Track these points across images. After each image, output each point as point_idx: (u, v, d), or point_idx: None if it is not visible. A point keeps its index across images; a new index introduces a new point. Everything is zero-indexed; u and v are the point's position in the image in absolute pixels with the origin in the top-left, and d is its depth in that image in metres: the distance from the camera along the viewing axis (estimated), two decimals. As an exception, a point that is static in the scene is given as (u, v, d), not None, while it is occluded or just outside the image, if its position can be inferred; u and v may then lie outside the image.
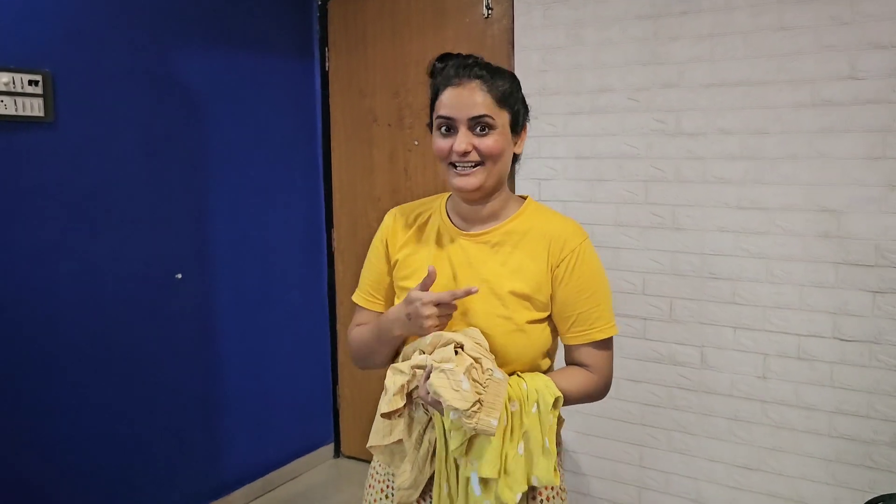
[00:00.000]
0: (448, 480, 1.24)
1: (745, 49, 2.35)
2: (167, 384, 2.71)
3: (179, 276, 2.73)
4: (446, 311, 1.23)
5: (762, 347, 2.40)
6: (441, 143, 1.29)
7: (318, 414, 3.46)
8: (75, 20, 2.36)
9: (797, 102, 2.28)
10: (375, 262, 1.44)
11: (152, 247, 2.63)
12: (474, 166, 1.27)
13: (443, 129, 1.28)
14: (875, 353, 2.23)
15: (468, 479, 1.20)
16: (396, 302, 1.36)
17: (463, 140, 1.25)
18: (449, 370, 1.13)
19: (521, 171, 2.80)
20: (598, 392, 1.36)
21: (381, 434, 1.33)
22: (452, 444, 1.16)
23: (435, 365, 1.15)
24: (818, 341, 2.31)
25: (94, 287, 2.45)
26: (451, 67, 1.29)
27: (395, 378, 1.24)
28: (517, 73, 2.76)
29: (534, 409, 1.20)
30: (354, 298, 1.49)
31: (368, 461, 3.42)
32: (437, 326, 1.23)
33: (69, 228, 2.38)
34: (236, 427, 3.02)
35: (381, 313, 1.41)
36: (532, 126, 2.72)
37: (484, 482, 1.17)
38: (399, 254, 1.40)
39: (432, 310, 1.21)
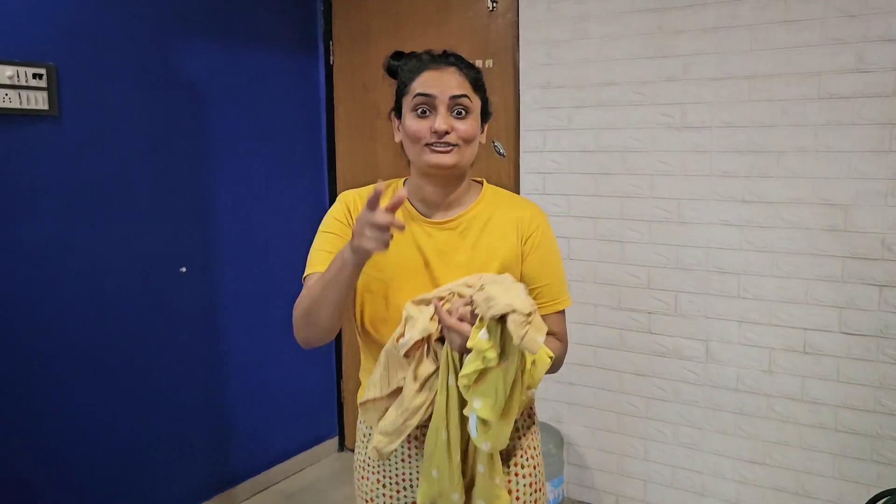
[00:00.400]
0: (448, 427, 1.22)
1: (751, 42, 2.34)
2: (172, 378, 2.72)
3: (184, 269, 2.73)
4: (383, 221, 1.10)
5: (768, 342, 2.40)
6: (417, 124, 1.29)
7: (322, 408, 3.46)
8: (79, 14, 2.36)
9: (803, 96, 2.27)
10: (339, 233, 1.36)
11: (156, 241, 2.63)
12: (450, 147, 1.29)
13: (419, 110, 1.29)
14: (882, 348, 2.22)
15: (465, 422, 1.21)
16: (361, 297, 1.35)
17: (443, 119, 1.27)
18: (505, 282, 1.16)
19: (526, 164, 2.79)
20: (563, 357, 1.41)
21: (378, 387, 1.28)
22: (467, 369, 1.13)
23: (488, 279, 1.18)
24: (824, 335, 2.31)
25: (97, 282, 2.45)
26: (422, 56, 1.35)
27: (421, 308, 1.23)
28: (522, 66, 2.76)
29: (530, 365, 1.22)
30: (311, 269, 1.36)
31: (373, 455, 3.43)
32: (376, 241, 1.11)
33: (73, 223, 2.38)
34: (241, 421, 3.02)
35: None
36: (537, 120, 2.73)
37: (482, 423, 1.17)
38: None
39: (365, 218, 1.11)
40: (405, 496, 1.38)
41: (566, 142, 2.70)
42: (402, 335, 1.22)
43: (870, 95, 2.18)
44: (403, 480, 1.38)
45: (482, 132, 1.38)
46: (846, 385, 2.28)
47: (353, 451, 3.49)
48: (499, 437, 1.19)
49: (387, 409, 1.28)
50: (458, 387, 1.19)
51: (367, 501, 1.43)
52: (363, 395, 1.32)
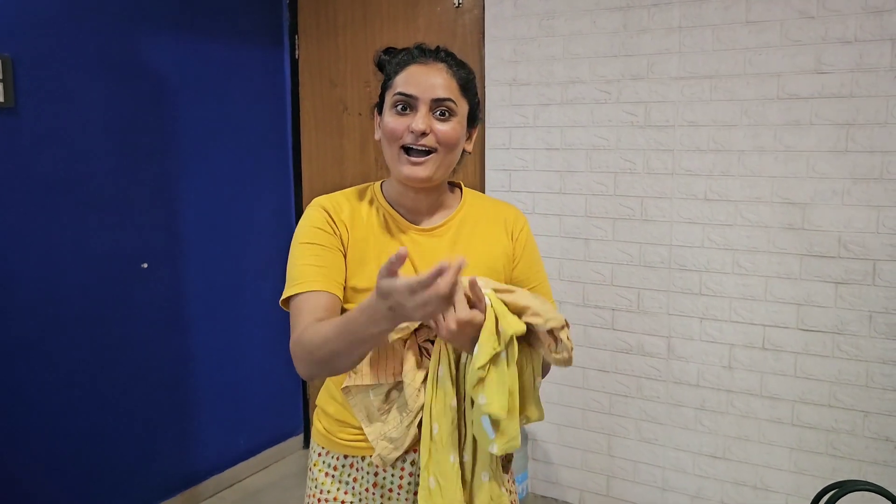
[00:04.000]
0: (440, 424, 1.16)
1: (714, 42, 2.37)
2: (134, 375, 2.68)
3: (145, 265, 2.69)
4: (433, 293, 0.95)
5: (728, 338, 2.43)
6: (395, 122, 1.20)
7: (287, 404, 3.44)
8: (36, 4, 2.30)
9: (764, 96, 2.31)
10: (327, 244, 1.23)
11: (118, 236, 2.59)
12: (427, 153, 1.20)
13: (399, 107, 1.20)
14: (838, 344, 2.27)
15: (461, 419, 1.17)
16: (345, 307, 1.23)
17: (422, 119, 1.18)
18: (527, 293, 1.12)
19: (491, 161, 2.80)
20: None
21: (366, 374, 1.20)
22: (479, 362, 1.06)
23: (509, 287, 1.14)
24: (783, 332, 2.35)
25: (54, 277, 2.40)
26: (413, 50, 1.25)
27: None
28: (488, 63, 2.76)
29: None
30: (301, 289, 1.20)
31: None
32: (432, 314, 0.99)
33: (29, 217, 2.33)
34: (205, 418, 2.99)
35: (340, 300, 1.22)
36: (503, 117, 2.74)
37: (493, 424, 1.11)
38: (349, 250, 1.24)
39: (420, 297, 0.94)
40: None
41: (532, 139, 2.71)
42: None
43: (827, 96, 2.22)
44: None
45: (469, 139, 1.28)
46: (803, 380, 2.33)
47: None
48: (512, 435, 1.11)
49: (369, 406, 1.21)
50: (451, 380, 1.15)
51: None
52: (346, 380, 1.21)
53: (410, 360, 1.18)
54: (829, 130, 2.23)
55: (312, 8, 3.22)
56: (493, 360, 1.08)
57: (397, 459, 1.25)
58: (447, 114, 1.20)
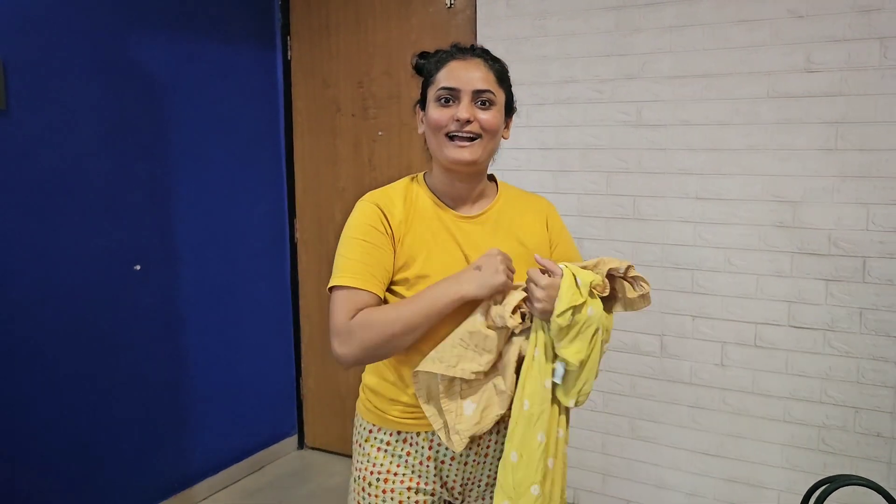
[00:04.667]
0: (531, 400, 1.25)
1: (707, 41, 2.38)
2: (129, 377, 2.67)
3: (138, 267, 2.68)
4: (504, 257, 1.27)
5: (721, 336, 2.45)
6: (439, 113, 1.30)
7: (282, 405, 3.44)
8: (27, 6, 2.29)
9: (756, 95, 2.33)
10: (378, 244, 1.29)
11: (111, 238, 2.58)
12: (472, 139, 1.29)
13: (442, 100, 1.30)
14: (828, 340, 2.29)
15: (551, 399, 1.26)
16: (403, 293, 1.30)
17: (466, 108, 1.28)
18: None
19: (486, 161, 2.80)
20: None
21: (445, 364, 1.24)
22: (560, 307, 1.19)
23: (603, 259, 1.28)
24: (774, 329, 2.37)
25: (47, 279, 2.40)
26: (450, 48, 1.35)
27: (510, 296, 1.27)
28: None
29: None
30: (349, 283, 1.27)
31: (332, 452, 3.42)
32: (509, 278, 1.24)
33: (22, 219, 2.32)
34: (200, 419, 2.99)
35: (381, 298, 1.30)
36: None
37: (568, 373, 1.24)
38: (403, 242, 1.32)
39: (507, 262, 1.24)
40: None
41: (526, 139, 2.72)
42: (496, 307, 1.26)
43: (818, 95, 2.24)
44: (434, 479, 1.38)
45: (506, 127, 1.39)
46: (795, 377, 2.35)
47: (312, 448, 3.49)
48: (584, 390, 1.25)
49: (435, 389, 1.29)
50: (547, 361, 1.25)
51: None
52: (422, 365, 1.26)
53: (477, 355, 1.26)
54: (819, 129, 2.25)
55: (305, 9, 3.22)
56: (575, 310, 1.20)
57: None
58: (487, 103, 1.30)
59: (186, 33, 2.83)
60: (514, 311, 1.24)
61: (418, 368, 1.26)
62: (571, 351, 1.22)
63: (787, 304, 2.34)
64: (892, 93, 2.15)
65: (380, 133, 3.09)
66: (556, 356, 1.24)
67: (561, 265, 1.24)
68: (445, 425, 1.28)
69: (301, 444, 3.53)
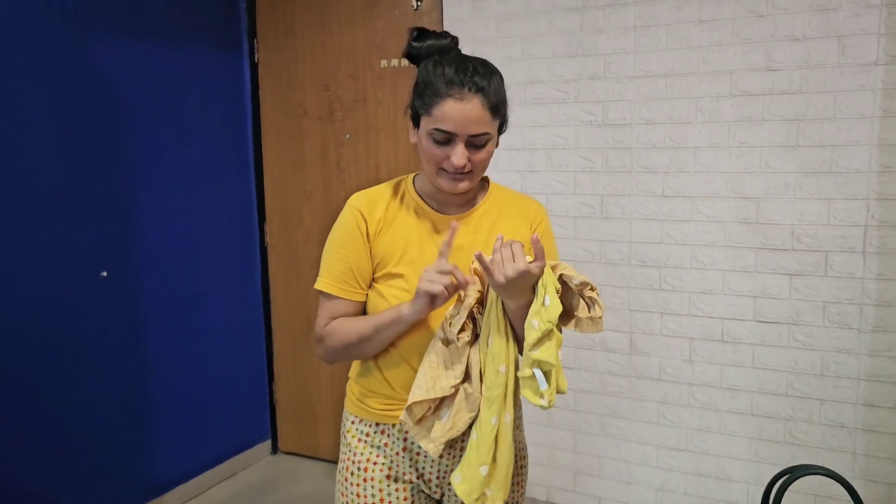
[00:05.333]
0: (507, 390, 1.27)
1: (669, 41, 2.41)
2: (97, 385, 2.63)
3: (105, 273, 2.65)
4: (449, 276, 1.24)
5: (688, 332, 2.48)
6: (436, 150, 1.29)
7: (254, 411, 3.41)
8: (-16, 9, 2.25)
9: (717, 93, 2.36)
10: (353, 250, 1.37)
11: (75, 245, 2.54)
12: (465, 174, 1.31)
13: (436, 136, 1.28)
14: (793, 334, 2.32)
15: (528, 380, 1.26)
16: (381, 289, 1.37)
17: (461, 156, 1.27)
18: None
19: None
20: None
21: (424, 389, 1.29)
22: (554, 314, 1.21)
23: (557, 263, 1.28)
24: (740, 324, 2.40)
25: (11, 287, 2.35)
26: (448, 67, 1.28)
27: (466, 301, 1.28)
28: (448, 64, 2.77)
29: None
30: (326, 288, 1.38)
31: (307, 457, 3.40)
32: (445, 294, 1.23)
33: (-18, 227, 2.28)
34: (170, 426, 2.95)
35: (361, 302, 1.39)
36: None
37: (546, 375, 1.24)
38: (379, 242, 1.37)
39: (436, 276, 1.23)
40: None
41: (493, 139, 2.72)
42: (450, 322, 1.27)
43: (778, 93, 2.27)
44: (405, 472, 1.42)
45: (496, 142, 1.37)
46: (761, 371, 2.38)
47: (286, 453, 3.46)
48: (559, 388, 1.26)
49: (427, 411, 1.31)
50: (504, 346, 1.27)
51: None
52: (409, 398, 1.30)
53: (451, 371, 1.30)
54: (780, 126, 2.28)
55: (270, 11, 3.20)
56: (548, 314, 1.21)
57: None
58: (482, 144, 1.30)
59: (151, 36, 2.80)
60: (463, 326, 1.26)
61: (409, 403, 1.30)
62: (550, 352, 1.22)
63: (753, 299, 2.37)
64: (851, 90, 2.19)
65: (347, 136, 3.08)
66: (532, 364, 1.24)
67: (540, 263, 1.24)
68: (420, 432, 1.32)
69: (275, 450, 3.50)
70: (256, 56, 3.25)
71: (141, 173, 2.78)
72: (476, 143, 1.28)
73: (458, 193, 1.34)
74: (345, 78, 3.04)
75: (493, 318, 1.28)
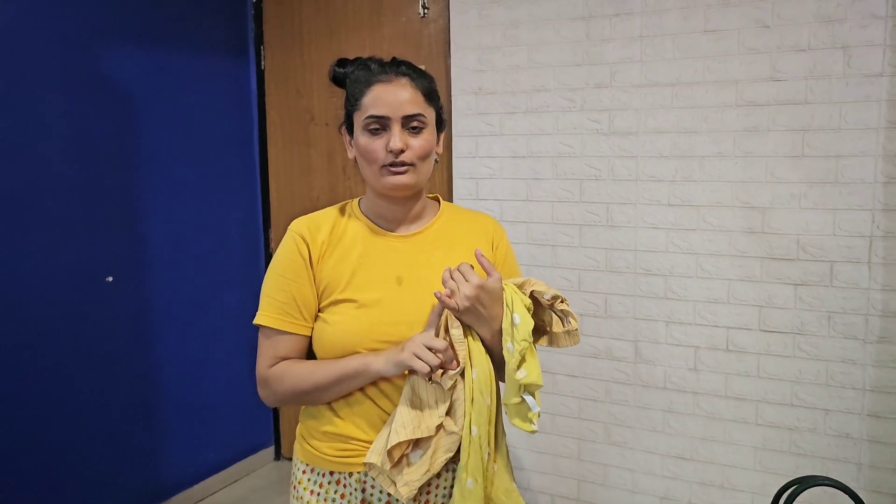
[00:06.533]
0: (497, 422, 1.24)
1: (675, 50, 2.42)
2: (102, 389, 2.64)
3: (111, 279, 2.66)
4: (437, 358, 1.15)
5: (693, 341, 2.48)
6: (371, 144, 1.24)
7: (257, 417, 3.42)
8: (-6, 15, 2.27)
9: (723, 103, 2.36)
10: (295, 279, 1.28)
11: (81, 250, 2.55)
12: (406, 166, 1.25)
13: (372, 127, 1.24)
14: (798, 344, 2.32)
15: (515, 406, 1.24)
16: (325, 317, 1.28)
17: (398, 138, 1.22)
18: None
19: (459, 170, 2.82)
20: None
21: (409, 428, 1.18)
22: (524, 333, 1.17)
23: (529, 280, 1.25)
24: (745, 333, 2.40)
25: (19, 291, 2.36)
26: (371, 65, 1.28)
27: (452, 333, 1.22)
28: (453, 72, 2.78)
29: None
30: (267, 322, 1.29)
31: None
32: (425, 371, 1.15)
33: (-10, 232, 2.29)
34: (173, 432, 2.96)
35: (306, 337, 1.30)
36: (469, 125, 2.76)
37: (535, 397, 1.21)
38: (322, 267, 1.29)
39: (426, 353, 1.14)
40: None
41: (498, 147, 2.73)
42: (443, 371, 1.19)
43: (783, 103, 2.28)
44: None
45: (438, 143, 1.33)
46: (766, 381, 2.38)
47: (289, 459, 3.46)
48: (539, 410, 1.23)
49: (405, 451, 1.21)
50: (487, 381, 1.22)
51: None
52: (391, 440, 1.18)
53: (440, 405, 1.22)
54: (785, 136, 2.29)
55: (277, 19, 3.22)
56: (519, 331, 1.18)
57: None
58: (418, 128, 1.25)
59: (158, 43, 2.82)
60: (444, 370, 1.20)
61: (390, 446, 1.18)
62: (534, 373, 1.18)
63: (758, 309, 2.37)
64: (855, 100, 2.19)
65: (353, 142, 3.09)
66: (519, 389, 1.20)
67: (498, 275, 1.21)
68: (390, 477, 1.21)
69: (278, 456, 3.50)
70: (263, 63, 3.27)
71: (148, 179, 2.80)
72: (412, 125, 1.24)
73: (404, 192, 1.27)
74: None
75: (474, 352, 1.21)
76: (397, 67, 1.27)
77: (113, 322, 2.68)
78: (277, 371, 1.28)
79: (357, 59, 1.33)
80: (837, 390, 2.29)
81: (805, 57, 2.24)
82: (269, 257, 3.38)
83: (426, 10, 2.84)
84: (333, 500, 1.29)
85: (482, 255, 1.18)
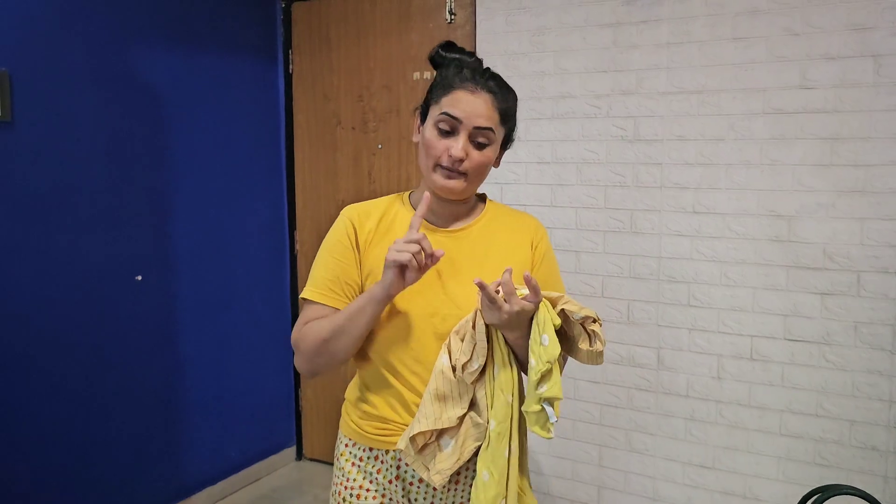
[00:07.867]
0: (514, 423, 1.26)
1: (702, 58, 2.41)
2: (127, 387, 2.68)
3: (139, 278, 2.70)
4: (416, 245, 1.20)
5: (717, 349, 2.46)
6: (437, 141, 1.29)
7: (280, 416, 3.45)
8: (33, 19, 2.33)
9: (750, 111, 2.35)
10: (342, 259, 1.36)
11: (112, 249, 2.60)
12: (460, 174, 1.29)
13: (442, 125, 1.28)
14: (823, 353, 2.30)
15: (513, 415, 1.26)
16: None
17: (461, 147, 1.27)
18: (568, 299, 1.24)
19: (484, 175, 2.83)
20: None
21: (431, 419, 1.25)
22: (555, 352, 1.19)
23: (558, 295, 1.24)
24: (770, 342, 2.38)
25: (50, 289, 2.42)
26: (467, 69, 1.31)
27: (468, 333, 1.25)
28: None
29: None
30: (309, 295, 1.36)
31: (331, 464, 3.43)
32: (413, 263, 1.19)
33: (25, 230, 2.34)
34: (198, 430, 2.99)
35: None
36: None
37: (554, 407, 1.23)
38: (369, 253, 1.36)
39: (404, 245, 1.19)
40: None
41: (524, 153, 2.74)
42: (466, 363, 1.24)
43: (812, 111, 2.27)
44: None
45: (498, 159, 1.37)
46: (790, 390, 2.36)
47: (311, 460, 3.49)
48: (557, 419, 1.25)
49: (430, 438, 1.27)
50: (510, 380, 1.25)
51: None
52: (413, 428, 1.26)
53: (458, 400, 1.27)
54: (813, 145, 2.28)
55: (306, 23, 3.26)
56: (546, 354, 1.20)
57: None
58: (484, 143, 1.29)
59: (189, 46, 2.87)
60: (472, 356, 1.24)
61: (412, 433, 1.25)
62: (555, 388, 1.21)
63: (783, 318, 2.36)
64: (886, 109, 2.17)
65: (379, 146, 3.12)
66: (540, 399, 1.23)
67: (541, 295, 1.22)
68: (424, 464, 1.28)
69: (300, 456, 3.53)
70: (291, 67, 3.31)
71: (177, 179, 2.84)
72: (479, 139, 1.28)
73: (451, 196, 1.32)
74: (379, 89, 3.08)
75: (497, 350, 1.26)
76: (486, 81, 1.30)
77: (140, 321, 2.73)
78: (304, 331, 1.33)
79: (461, 53, 1.36)
80: (863, 401, 2.26)
81: (834, 65, 2.23)
82: (294, 258, 3.41)
83: (453, 16, 2.87)
84: (370, 473, 1.38)
85: (531, 279, 1.18)
